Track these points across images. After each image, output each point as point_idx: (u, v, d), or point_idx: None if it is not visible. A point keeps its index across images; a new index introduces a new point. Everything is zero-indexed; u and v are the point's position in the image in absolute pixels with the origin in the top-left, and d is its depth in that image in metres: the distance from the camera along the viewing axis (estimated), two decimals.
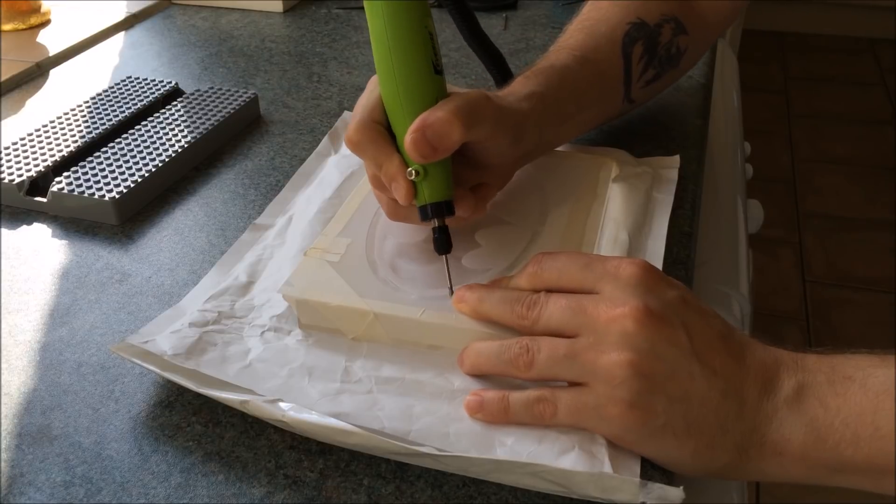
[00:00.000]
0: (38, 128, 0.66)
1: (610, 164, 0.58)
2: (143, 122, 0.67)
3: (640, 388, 0.37)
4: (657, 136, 0.66)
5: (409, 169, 0.46)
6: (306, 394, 0.42)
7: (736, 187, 0.82)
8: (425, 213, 0.47)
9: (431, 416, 0.41)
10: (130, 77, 0.75)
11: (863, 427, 0.36)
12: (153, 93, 0.72)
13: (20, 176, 0.60)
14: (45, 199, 0.59)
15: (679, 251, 0.54)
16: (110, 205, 0.57)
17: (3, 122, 0.72)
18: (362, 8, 0.96)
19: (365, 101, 0.48)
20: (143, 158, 0.62)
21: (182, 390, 0.44)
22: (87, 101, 0.71)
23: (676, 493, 0.36)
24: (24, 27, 0.90)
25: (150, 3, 0.97)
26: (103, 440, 0.41)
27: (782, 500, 1.38)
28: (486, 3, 0.95)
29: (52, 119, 0.67)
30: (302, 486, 0.39)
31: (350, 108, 0.72)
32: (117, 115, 0.68)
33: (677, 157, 0.61)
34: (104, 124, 0.67)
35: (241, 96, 0.71)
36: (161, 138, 0.64)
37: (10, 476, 0.40)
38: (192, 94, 0.71)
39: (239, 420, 0.42)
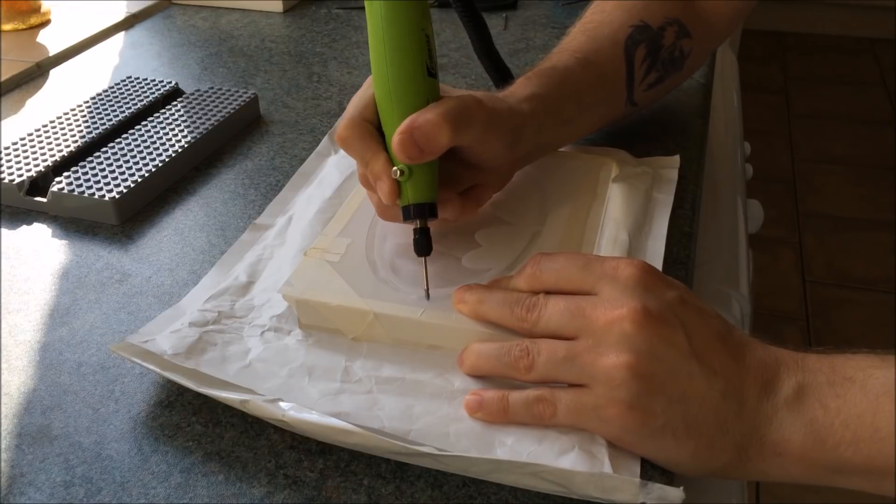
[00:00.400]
0: (38, 128, 0.66)
1: (610, 164, 0.58)
2: (143, 122, 0.67)
3: (639, 389, 0.37)
4: (657, 136, 0.66)
5: (394, 168, 0.46)
6: (306, 393, 0.42)
7: (736, 187, 0.82)
8: (407, 214, 0.47)
9: (431, 416, 0.41)
10: (130, 77, 0.75)
11: (862, 428, 0.36)
12: (153, 93, 0.72)
13: (20, 176, 0.60)
14: (45, 199, 0.59)
15: (679, 251, 0.54)
16: (110, 205, 0.57)
17: (3, 122, 0.72)
18: (362, 8, 0.97)
19: (357, 100, 0.48)
20: (143, 158, 0.62)
21: (182, 390, 0.44)
22: (87, 101, 0.71)
23: (676, 493, 0.36)
24: (24, 27, 0.90)
25: (150, 3, 0.97)
26: (103, 440, 0.41)
27: (782, 499, 1.38)
28: (486, 3, 0.95)
29: (52, 119, 0.67)
30: (302, 486, 0.39)
31: None
32: (117, 115, 0.68)
33: (677, 157, 0.61)
34: (104, 124, 0.67)
35: (241, 96, 0.71)
36: (161, 138, 0.64)
37: (10, 476, 0.40)
38: (192, 94, 0.71)
39: (239, 420, 0.42)
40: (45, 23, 0.92)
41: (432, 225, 0.47)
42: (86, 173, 0.60)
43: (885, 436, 0.35)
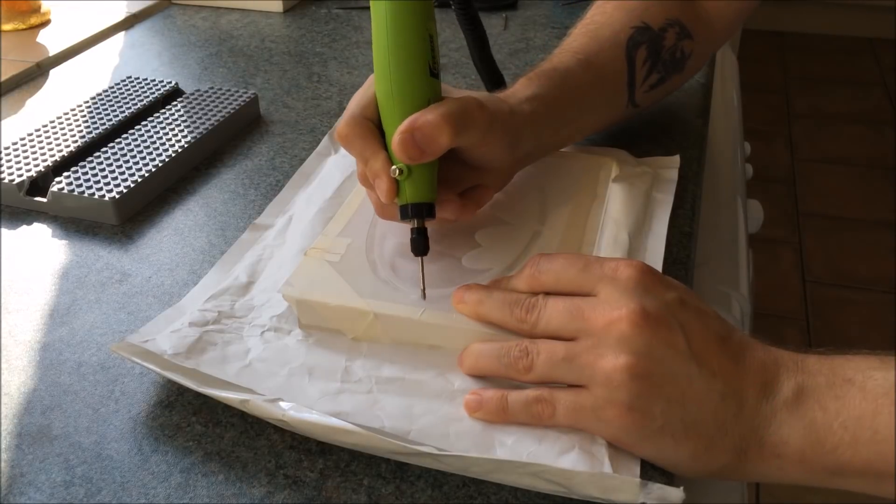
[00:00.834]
0: (38, 128, 0.66)
1: (610, 164, 0.58)
2: (143, 122, 0.67)
3: (638, 391, 0.37)
4: (657, 136, 0.66)
5: (394, 167, 0.46)
6: (306, 393, 0.42)
7: (736, 187, 0.82)
8: (405, 213, 0.47)
9: (431, 415, 0.41)
10: (130, 77, 0.75)
11: (861, 430, 0.36)
12: (153, 93, 0.72)
13: (20, 176, 0.60)
14: (45, 199, 0.59)
15: (679, 251, 0.54)
16: (110, 205, 0.57)
17: (3, 122, 0.72)
18: (362, 8, 0.97)
19: (359, 97, 0.48)
20: (143, 158, 0.62)
21: (182, 390, 0.44)
22: (87, 101, 0.71)
23: (676, 493, 0.36)
24: (24, 27, 0.90)
25: (150, 3, 0.97)
26: (103, 440, 0.41)
27: (783, 499, 1.38)
28: (486, 3, 0.95)
29: (52, 119, 0.67)
30: (302, 486, 0.39)
31: None
32: (117, 115, 0.68)
33: (677, 157, 0.61)
34: (104, 124, 0.67)
35: (241, 96, 0.71)
36: (161, 138, 0.64)
37: (10, 476, 0.40)
38: (192, 94, 0.71)
39: (239, 420, 0.42)
40: (45, 23, 0.92)
41: (432, 224, 0.47)
42: (86, 173, 0.60)
43: (884, 438, 0.35)
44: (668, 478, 0.39)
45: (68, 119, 0.68)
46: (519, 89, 0.53)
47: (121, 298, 0.51)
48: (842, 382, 0.37)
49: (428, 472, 0.39)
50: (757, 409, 0.38)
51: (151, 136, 0.64)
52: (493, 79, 0.66)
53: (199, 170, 0.64)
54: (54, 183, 0.59)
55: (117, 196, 0.57)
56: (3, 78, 0.78)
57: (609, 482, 0.37)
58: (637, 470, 0.39)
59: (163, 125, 0.66)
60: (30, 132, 0.65)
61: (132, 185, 0.58)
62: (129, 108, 0.70)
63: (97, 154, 0.62)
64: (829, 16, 3.04)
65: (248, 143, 0.68)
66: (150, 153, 0.62)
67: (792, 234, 2.04)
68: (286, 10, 0.96)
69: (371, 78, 0.49)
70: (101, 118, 0.68)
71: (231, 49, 0.87)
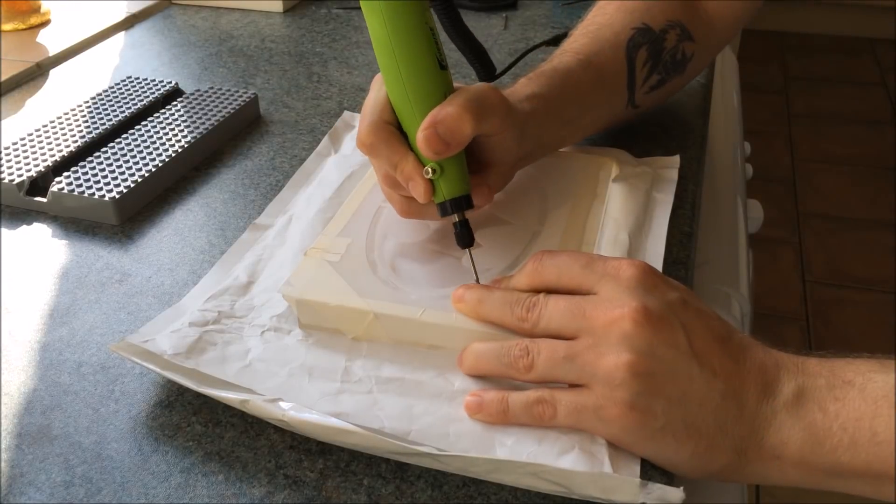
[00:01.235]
0: (38, 128, 0.66)
1: (610, 164, 0.58)
2: (143, 122, 0.67)
3: (639, 389, 0.37)
4: (657, 136, 0.66)
5: (426, 167, 0.46)
6: (306, 393, 0.42)
7: (736, 187, 0.82)
8: (445, 210, 0.47)
9: (431, 416, 0.41)
10: (130, 77, 0.75)
11: (861, 432, 0.36)
12: (153, 93, 0.72)
13: (20, 176, 0.60)
14: (45, 199, 0.59)
15: (679, 251, 0.54)
16: (110, 205, 0.57)
17: (3, 122, 0.72)
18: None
19: (373, 102, 0.48)
20: (143, 158, 0.62)
21: (182, 390, 0.44)
22: (87, 101, 0.71)
23: (676, 493, 0.36)
24: (24, 27, 0.90)
25: (150, 3, 0.97)
26: (103, 440, 0.41)
27: (782, 500, 1.38)
28: (486, 3, 0.95)
29: (52, 119, 0.67)
30: (302, 486, 0.39)
31: (350, 108, 0.72)
32: (117, 115, 0.68)
33: (677, 157, 0.61)
34: (104, 124, 0.67)
35: (241, 96, 0.71)
36: (161, 138, 0.64)
37: (10, 476, 0.40)
38: (192, 94, 0.71)
39: (239, 420, 0.42)
40: (45, 23, 0.92)
41: (432, 224, 0.47)
42: (86, 173, 0.60)
43: (883, 440, 0.35)
44: (668, 478, 0.39)
45: (68, 119, 0.68)
46: (519, 89, 0.53)
47: (121, 298, 0.51)
48: (842, 384, 0.37)
49: (428, 472, 0.39)
50: (757, 409, 0.38)
51: (151, 136, 0.64)
52: (483, 64, 0.66)
53: (199, 170, 0.64)
54: (54, 183, 0.59)
55: (117, 196, 0.57)
56: (3, 78, 0.78)
57: (609, 482, 0.37)
58: (637, 470, 0.39)
59: (163, 125, 0.66)
60: (30, 132, 0.65)
61: (132, 185, 0.58)
62: (129, 108, 0.70)
63: (97, 154, 0.62)
64: (829, 16, 3.04)
65: (248, 143, 0.68)
66: (150, 153, 0.62)
67: (792, 234, 2.04)
68: (286, 10, 0.96)
69: (377, 81, 0.49)
70: (101, 118, 0.68)
71: (231, 49, 0.87)
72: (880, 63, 2.87)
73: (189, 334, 0.45)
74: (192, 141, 0.64)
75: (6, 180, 0.59)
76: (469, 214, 0.48)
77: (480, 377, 0.43)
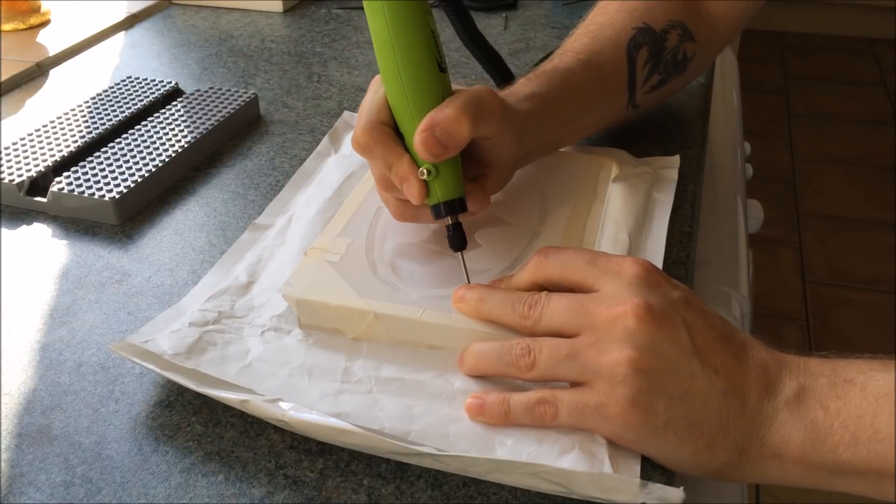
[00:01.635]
0: (38, 128, 0.66)
1: (610, 164, 0.58)
2: (143, 122, 0.67)
3: (640, 385, 0.37)
4: (657, 136, 0.66)
5: (421, 169, 0.46)
6: (306, 394, 0.42)
7: (736, 187, 0.82)
8: (438, 212, 0.47)
9: (431, 416, 0.41)
10: (130, 77, 0.75)
11: (862, 430, 0.36)
12: (153, 93, 0.72)
13: (20, 176, 0.60)
14: (45, 199, 0.59)
15: (679, 251, 0.54)
16: (110, 205, 0.57)
17: (3, 122, 0.72)
18: (362, 8, 0.96)
19: (370, 103, 0.48)
20: (143, 158, 0.62)
21: (182, 390, 0.44)
22: (87, 101, 0.71)
23: (676, 493, 0.36)
24: (24, 27, 0.90)
25: (150, 3, 0.97)
26: (103, 440, 0.41)
27: (783, 499, 1.38)
28: (486, 3, 0.95)
29: (52, 119, 0.67)
30: (302, 486, 0.39)
31: (350, 108, 0.72)
32: (117, 115, 0.68)
33: (677, 158, 0.61)
34: (104, 124, 0.67)
35: (241, 96, 0.71)
36: (161, 138, 0.64)
37: (10, 476, 0.40)
38: (192, 94, 0.71)
39: (239, 420, 0.42)
40: (45, 23, 0.92)
41: (431, 224, 0.47)
42: (86, 173, 0.60)
43: (884, 437, 0.35)
44: (669, 478, 0.39)
45: (68, 119, 0.68)
46: (518, 88, 0.53)
47: (121, 298, 0.51)
48: (843, 383, 0.37)
49: (428, 472, 0.39)
50: (759, 407, 0.38)
51: (151, 136, 0.64)
52: (499, 70, 0.66)
53: (199, 170, 0.64)
54: (54, 183, 0.59)
55: (117, 196, 0.57)
56: (3, 78, 0.78)
57: (609, 482, 0.37)
58: (637, 470, 0.39)
59: (163, 125, 0.66)
60: (30, 132, 0.65)
61: (132, 185, 0.58)
62: (129, 108, 0.70)
63: (97, 154, 0.62)
64: (829, 16, 3.04)
65: (248, 143, 0.68)
66: (150, 153, 0.62)
67: (792, 234, 2.04)
68: (286, 10, 0.96)
69: (375, 82, 0.49)
70: (101, 118, 0.68)
71: (231, 49, 0.87)
72: (880, 63, 2.87)
73: (189, 334, 0.45)
74: (192, 141, 0.64)
75: (6, 180, 0.59)
76: (466, 216, 0.48)
77: (481, 377, 0.43)
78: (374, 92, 0.48)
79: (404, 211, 0.50)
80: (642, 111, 0.62)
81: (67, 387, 0.44)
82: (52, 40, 0.87)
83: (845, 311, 1.80)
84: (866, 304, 1.81)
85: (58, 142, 0.64)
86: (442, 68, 0.46)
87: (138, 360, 0.43)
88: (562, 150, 0.60)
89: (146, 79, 0.74)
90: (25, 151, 0.63)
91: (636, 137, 0.65)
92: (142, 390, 0.44)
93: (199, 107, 0.69)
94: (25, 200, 0.59)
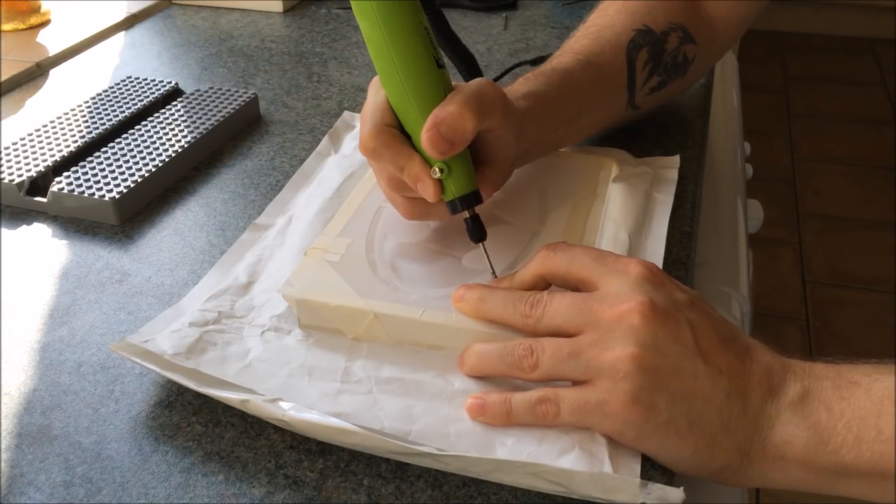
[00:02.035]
0: (38, 128, 0.66)
1: (610, 164, 0.58)
2: (143, 122, 0.67)
3: (642, 382, 0.37)
4: (657, 136, 0.66)
5: (433, 167, 0.46)
6: (306, 394, 0.42)
7: (736, 187, 0.82)
8: (455, 207, 0.47)
9: (432, 416, 0.41)
10: (130, 77, 0.75)
11: (865, 430, 0.36)
12: (153, 93, 0.72)
13: (20, 176, 0.60)
14: (45, 199, 0.59)
15: (679, 251, 0.54)
16: (110, 205, 0.57)
17: (3, 122, 0.72)
18: None
19: (372, 106, 0.48)
20: (143, 158, 0.62)
21: (182, 390, 0.44)
22: (87, 101, 0.71)
23: (676, 493, 0.36)
24: (24, 27, 0.90)
25: (150, 3, 0.97)
26: (103, 440, 0.41)
27: (783, 500, 1.38)
28: (486, 3, 0.95)
29: (52, 119, 0.67)
30: (302, 486, 0.39)
31: (350, 108, 0.72)
32: (117, 115, 0.68)
33: (677, 158, 0.61)
34: (104, 124, 0.67)
35: (241, 96, 0.71)
36: (161, 138, 0.64)
37: (10, 476, 0.40)
38: (192, 94, 0.71)
39: (239, 420, 0.42)
40: (45, 23, 0.92)
41: (431, 224, 0.47)
42: (86, 173, 0.60)
43: (887, 438, 0.35)
44: (669, 478, 0.39)
45: (68, 119, 0.68)
46: (516, 87, 0.53)
47: (121, 298, 0.51)
48: (847, 385, 0.37)
49: (428, 472, 0.39)
50: (762, 408, 0.38)
51: (151, 136, 0.64)
52: (470, 69, 0.66)
53: (199, 170, 0.64)
54: (54, 183, 0.59)
55: (117, 196, 0.57)
56: (3, 78, 0.78)
57: (609, 482, 0.37)
58: (637, 470, 0.38)
59: (163, 125, 0.66)
60: (30, 132, 0.65)
61: (132, 185, 0.58)
62: (129, 108, 0.70)
63: (97, 154, 0.62)
64: (829, 16, 3.04)
65: (248, 143, 0.68)
66: (150, 153, 0.62)
67: (792, 234, 2.04)
68: (286, 10, 0.96)
69: (375, 83, 0.48)
70: (101, 118, 0.68)
71: (231, 49, 0.87)
72: (880, 63, 2.87)
73: (189, 334, 0.45)
74: (192, 141, 0.64)
75: (6, 180, 0.59)
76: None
77: (481, 377, 0.43)
78: (375, 95, 0.48)
79: (413, 209, 0.50)
80: (642, 112, 0.62)
81: (67, 387, 0.44)
82: (52, 40, 0.87)
83: (845, 311, 1.80)
84: (866, 305, 1.81)
85: (58, 142, 0.64)
86: (440, 64, 0.46)
87: (138, 360, 0.43)
88: (562, 150, 0.60)
89: (146, 79, 0.74)
90: (25, 151, 0.63)
91: (636, 137, 0.65)
92: (142, 390, 0.44)
93: (199, 107, 0.69)
94: (25, 200, 0.59)
